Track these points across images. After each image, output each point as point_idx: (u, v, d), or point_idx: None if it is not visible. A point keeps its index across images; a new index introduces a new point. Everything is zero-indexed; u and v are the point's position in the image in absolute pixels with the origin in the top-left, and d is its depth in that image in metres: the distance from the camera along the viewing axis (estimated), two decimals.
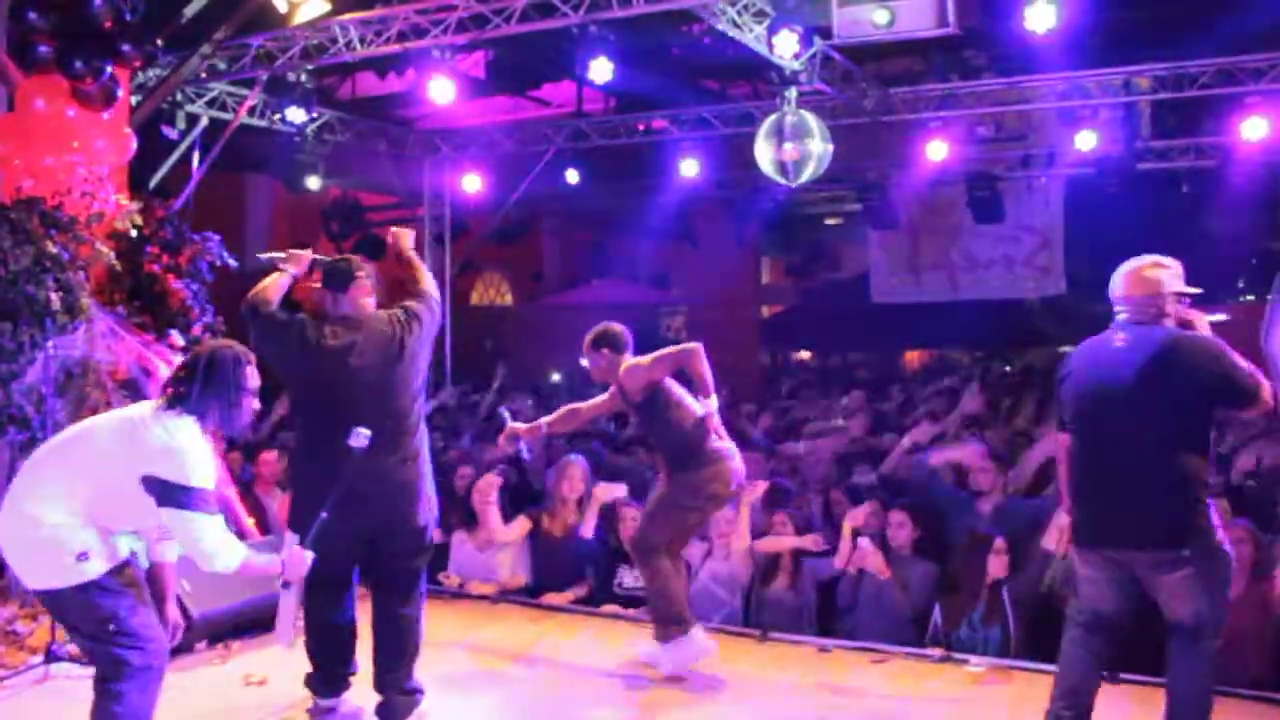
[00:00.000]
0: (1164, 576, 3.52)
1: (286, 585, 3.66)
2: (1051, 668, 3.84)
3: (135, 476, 3.20)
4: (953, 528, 5.53)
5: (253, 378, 3.45)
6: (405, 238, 4.46)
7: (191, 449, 3.24)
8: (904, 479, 6.30)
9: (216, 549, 3.27)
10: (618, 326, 4.91)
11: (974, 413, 7.67)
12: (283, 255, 4.24)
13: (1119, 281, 3.74)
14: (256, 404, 3.48)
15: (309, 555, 3.55)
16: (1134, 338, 3.63)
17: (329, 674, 4.20)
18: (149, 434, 3.24)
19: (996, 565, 4.89)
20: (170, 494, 3.19)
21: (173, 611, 3.64)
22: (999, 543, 4.94)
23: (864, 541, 5.18)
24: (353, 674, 4.24)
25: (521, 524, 6.08)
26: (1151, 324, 3.63)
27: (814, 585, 5.46)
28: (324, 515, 3.59)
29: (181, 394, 3.33)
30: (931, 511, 5.76)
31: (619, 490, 5.98)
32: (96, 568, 3.24)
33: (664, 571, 4.67)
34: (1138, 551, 3.59)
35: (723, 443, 4.78)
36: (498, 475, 6.11)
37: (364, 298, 4.13)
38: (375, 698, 4.12)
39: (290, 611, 3.86)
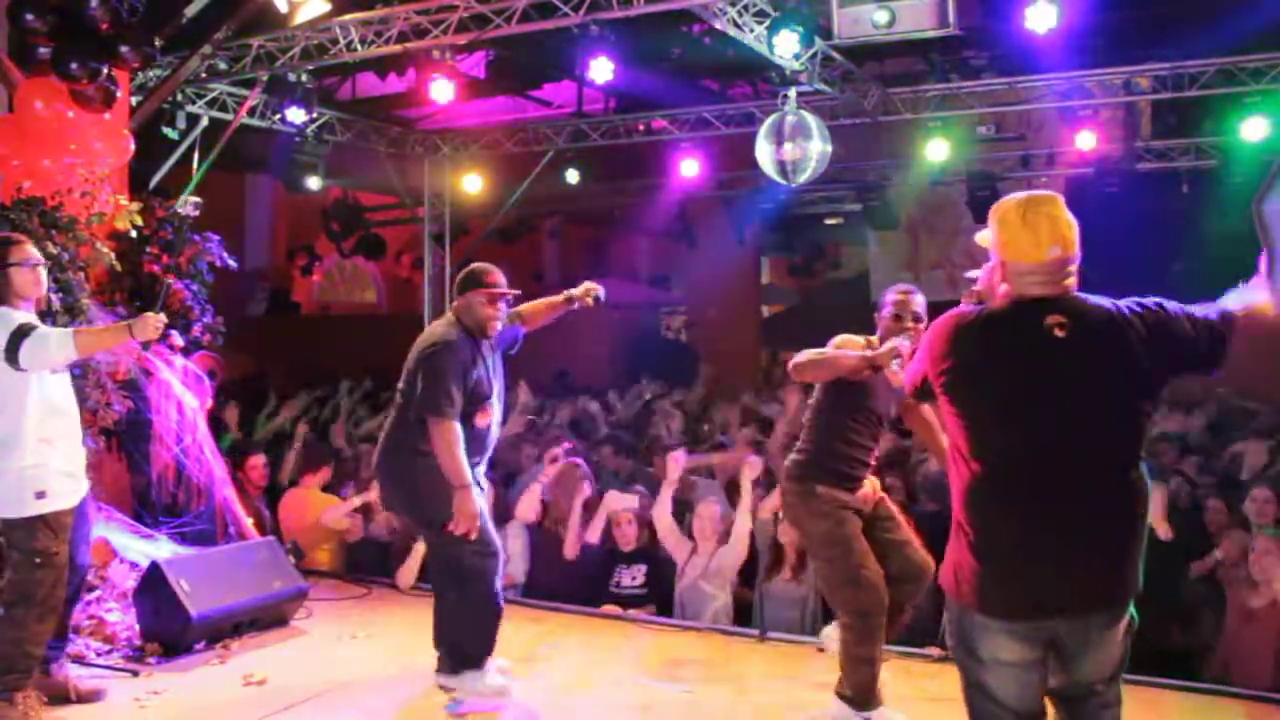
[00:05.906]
0: (1106, 637, 2.61)
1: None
2: None
3: None
4: None
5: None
6: None
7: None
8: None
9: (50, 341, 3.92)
10: None
11: None
12: None
13: (1051, 232, 2.61)
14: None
15: None
16: (1074, 318, 2.58)
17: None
18: None
19: None
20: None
21: None
22: None
23: None
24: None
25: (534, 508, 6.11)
26: (1075, 294, 2.65)
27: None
28: None
29: None
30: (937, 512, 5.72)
31: (630, 501, 5.97)
32: None
33: None
34: (1098, 614, 2.59)
35: None
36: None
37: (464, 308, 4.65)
38: None
39: None
